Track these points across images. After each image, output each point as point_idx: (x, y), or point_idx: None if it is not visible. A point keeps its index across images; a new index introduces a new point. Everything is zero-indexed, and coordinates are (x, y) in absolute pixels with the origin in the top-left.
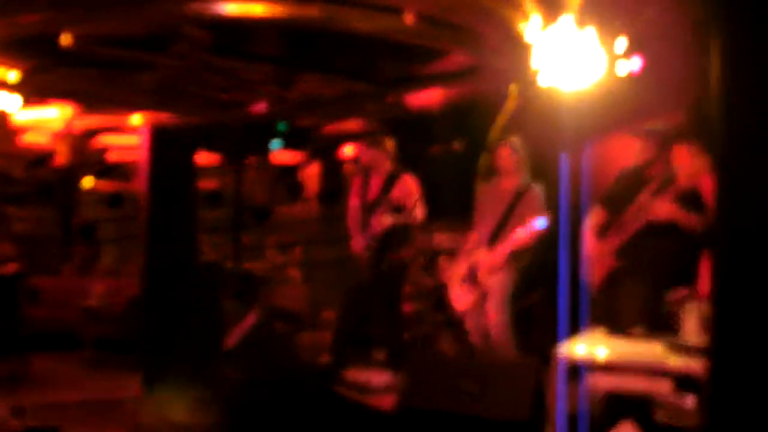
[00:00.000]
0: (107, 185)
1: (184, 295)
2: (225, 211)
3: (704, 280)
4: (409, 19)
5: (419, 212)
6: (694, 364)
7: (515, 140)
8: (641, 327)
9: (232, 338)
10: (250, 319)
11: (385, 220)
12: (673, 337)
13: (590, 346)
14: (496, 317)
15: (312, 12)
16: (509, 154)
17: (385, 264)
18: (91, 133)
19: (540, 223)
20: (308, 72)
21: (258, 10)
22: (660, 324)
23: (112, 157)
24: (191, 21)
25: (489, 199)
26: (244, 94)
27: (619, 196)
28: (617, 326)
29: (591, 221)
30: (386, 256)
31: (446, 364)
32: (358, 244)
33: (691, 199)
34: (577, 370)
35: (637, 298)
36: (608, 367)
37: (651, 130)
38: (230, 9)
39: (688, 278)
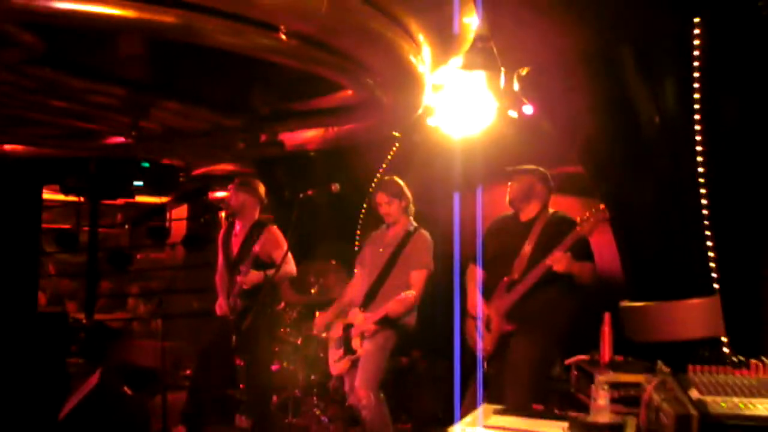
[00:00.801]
0: None
1: (21, 349)
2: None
3: (606, 347)
4: (283, 36)
5: (290, 266)
6: None
7: (395, 183)
8: (541, 403)
9: (68, 404)
10: (91, 382)
11: (252, 278)
12: (578, 416)
13: (487, 429)
14: (365, 395)
15: (167, 18)
16: (388, 201)
17: (252, 320)
18: None
19: (410, 293)
20: (167, 99)
21: (99, 10)
22: (562, 398)
23: None
24: (18, 18)
25: (371, 248)
26: (96, 123)
27: (497, 250)
28: (512, 399)
29: (470, 281)
30: (251, 313)
31: None
32: (222, 305)
33: (582, 250)
34: None
35: (533, 367)
36: None
37: (526, 172)
38: (63, 5)
39: (587, 341)
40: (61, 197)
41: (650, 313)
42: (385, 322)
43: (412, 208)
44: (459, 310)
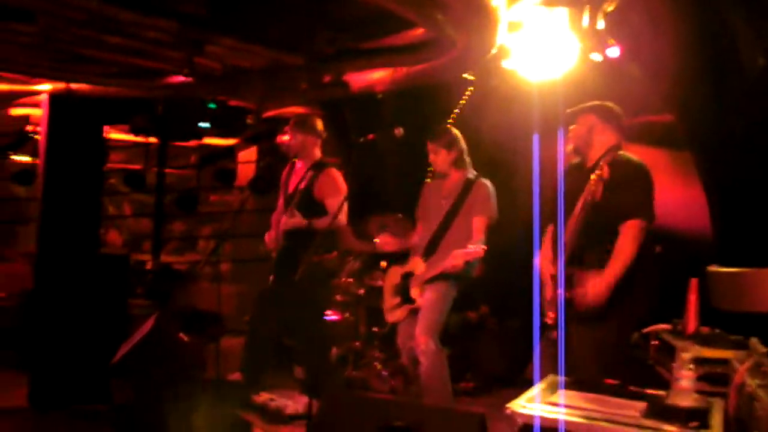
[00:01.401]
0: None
1: (81, 291)
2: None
3: (691, 317)
4: None
5: (341, 217)
6: None
7: (444, 133)
8: (614, 378)
9: (122, 349)
10: (146, 326)
11: (292, 220)
12: (656, 395)
13: (551, 406)
14: (425, 341)
15: None
16: (434, 150)
17: (299, 267)
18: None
19: (478, 247)
20: (223, 35)
21: None
22: (638, 369)
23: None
24: None
25: (432, 198)
26: (152, 60)
27: (566, 205)
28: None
29: (546, 238)
30: (299, 258)
31: (368, 404)
32: (270, 239)
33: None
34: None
35: (604, 337)
36: None
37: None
38: None
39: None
40: (131, 137)
41: (742, 281)
42: (446, 275)
43: (466, 159)
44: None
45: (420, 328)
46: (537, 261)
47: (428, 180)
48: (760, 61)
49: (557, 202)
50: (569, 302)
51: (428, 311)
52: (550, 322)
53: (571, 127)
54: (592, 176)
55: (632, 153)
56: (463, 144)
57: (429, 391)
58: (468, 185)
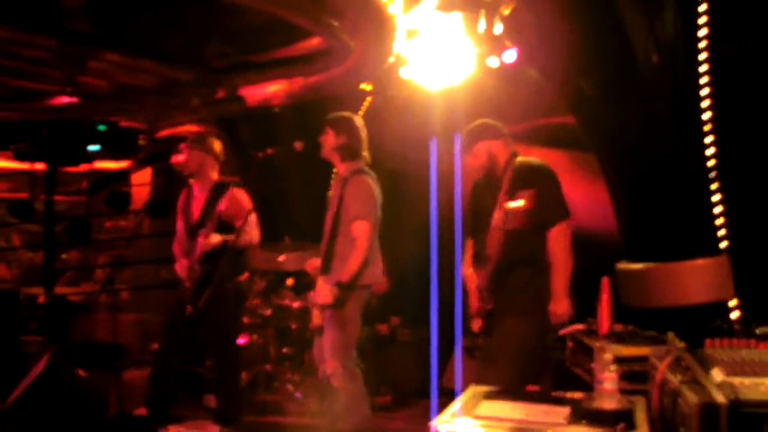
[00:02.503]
0: None
1: None
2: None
3: (604, 316)
4: None
5: (254, 231)
6: None
7: (345, 117)
8: (533, 378)
9: (17, 390)
10: (40, 365)
11: (211, 240)
12: (580, 399)
13: (477, 420)
14: (332, 365)
15: None
16: (330, 135)
17: (211, 291)
18: None
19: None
20: (108, 50)
21: None
22: (555, 371)
23: None
24: None
25: (330, 201)
26: (34, 80)
27: (475, 218)
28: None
29: (467, 250)
30: (213, 281)
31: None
32: (182, 265)
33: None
34: None
35: (507, 342)
36: None
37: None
38: None
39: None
40: (16, 164)
41: (651, 276)
42: (345, 288)
43: (357, 151)
44: (436, 272)
45: (327, 351)
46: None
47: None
48: (654, 58)
49: (473, 213)
50: (490, 314)
51: (331, 333)
52: (476, 330)
53: (468, 160)
54: (511, 205)
55: (536, 156)
56: (358, 134)
57: (345, 413)
58: (344, 184)
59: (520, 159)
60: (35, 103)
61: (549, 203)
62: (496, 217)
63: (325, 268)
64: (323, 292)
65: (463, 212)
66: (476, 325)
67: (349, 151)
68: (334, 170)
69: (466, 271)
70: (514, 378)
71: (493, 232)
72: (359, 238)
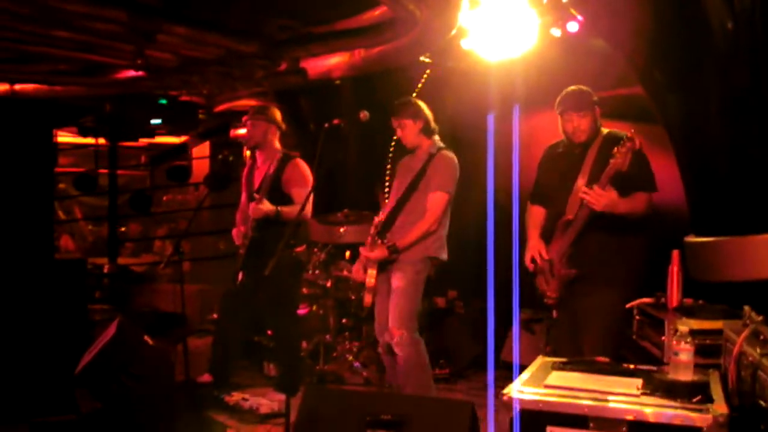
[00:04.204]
0: None
1: (37, 299)
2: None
3: (674, 289)
4: None
5: (307, 207)
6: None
7: (405, 104)
8: (608, 356)
9: (86, 357)
10: (109, 332)
11: (261, 206)
12: (654, 371)
13: (549, 389)
14: (398, 333)
15: None
16: (398, 123)
17: (268, 260)
18: None
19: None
20: (174, 24)
21: None
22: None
23: None
24: None
25: (399, 176)
26: (102, 54)
27: (550, 186)
28: (577, 354)
29: (531, 221)
30: (271, 250)
31: (351, 398)
32: (237, 234)
33: (631, 181)
34: (531, 417)
35: (600, 315)
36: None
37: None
38: None
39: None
40: (80, 139)
41: (721, 249)
42: (394, 252)
43: (433, 127)
44: (493, 245)
45: (392, 320)
46: (491, 237)
47: (389, 160)
48: (729, 25)
49: (548, 178)
50: (572, 282)
51: (398, 301)
52: (550, 302)
53: (573, 120)
54: (617, 149)
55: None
56: (428, 112)
57: (408, 383)
58: (429, 158)
59: (607, 130)
60: (102, 77)
61: (641, 172)
62: (581, 182)
63: (383, 232)
64: (375, 251)
65: (536, 177)
66: (550, 296)
67: (431, 129)
68: (393, 144)
69: (534, 240)
70: (605, 350)
71: (576, 196)
72: (432, 210)
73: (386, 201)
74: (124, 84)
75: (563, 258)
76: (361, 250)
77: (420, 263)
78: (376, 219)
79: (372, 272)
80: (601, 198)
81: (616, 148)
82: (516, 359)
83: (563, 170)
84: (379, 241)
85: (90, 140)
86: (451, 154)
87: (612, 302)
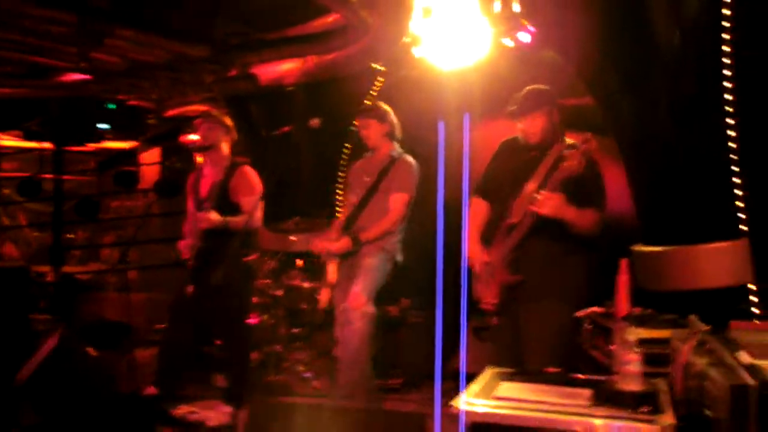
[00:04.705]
0: None
1: None
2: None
3: (623, 298)
4: None
5: (257, 215)
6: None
7: (374, 107)
8: (556, 366)
9: (26, 368)
10: (50, 343)
11: (209, 216)
12: (603, 381)
13: (498, 401)
14: (363, 303)
15: None
16: (365, 124)
17: (217, 270)
18: None
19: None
20: (123, 27)
21: None
22: (571, 355)
23: None
24: None
25: (357, 176)
26: (48, 56)
27: (499, 182)
28: (519, 362)
29: (471, 220)
30: (221, 260)
31: (299, 410)
32: (184, 247)
33: (583, 194)
34: (479, 429)
35: (544, 324)
36: (526, 430)
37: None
38: None
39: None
40: (24, 143)
41: (668, 259)
42: (356, 243)
43: (397, 133)
44: (443, 254)
45: (359, 286)
46: (441, 241)
47: (343, 163)
48: (676, 36)
49: (497, 176)
50: (513, 288)
51: (367, 273)
52: (488, 308)
53: (524, 123)
54: (567, 153)
55: None
56: (394, 118)
57: (347, 352)
58: (391, 162)
59: (571, 141)
60: (47, 79)
61: (594, 186)
62: (531, 187)
63: (347, 228)
64: (338, 242)
65: (485, 170)
66: (488, 302)
67: (394, 135)
68: (346, 150)
69: (474, 245)
70: (549, 361)
71: (523, 199)
72: (394, 210)
73: (342, 206)
74: (70, 87)
75: (505, 263)
76: (320, 243)
77: (386, 252)
78: (339, 218)
79: (333, 268)
80: (548, 201)
81: (569, 152)
82: (463, 368)
83: (515, 170)
84: (344, 235)
85: (35, 144)
86: (412, 160)
87: (555, 312)
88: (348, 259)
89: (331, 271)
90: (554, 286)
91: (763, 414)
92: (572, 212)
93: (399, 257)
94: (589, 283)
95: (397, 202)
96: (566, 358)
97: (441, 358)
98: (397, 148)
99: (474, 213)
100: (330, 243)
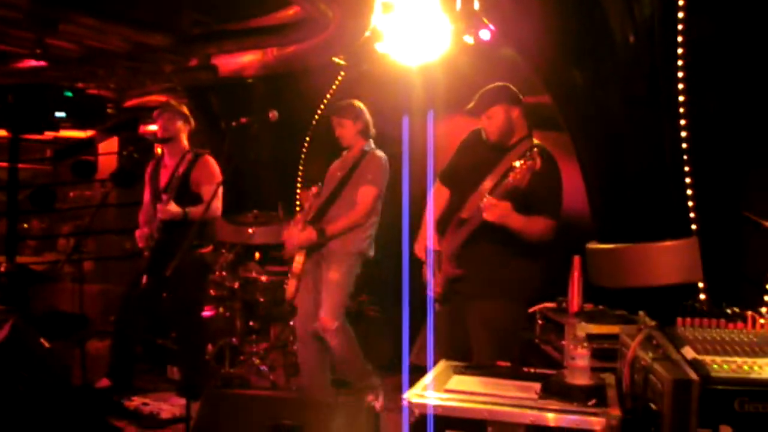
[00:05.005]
0: None
1: None
2: None
3: (575, 294)
4: None
5: (217, 204)
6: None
7: (348, 105)
8: (505, 358)
9: None
10: (2, 332)
11: (169, 208)
12: (552, 375)
13: (448, 393)
14: (331, 325)
15: None
16: (339, 122)
17: (176, 262)
18: None
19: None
20: (79, 13)
21: None
22: (524, 348)
23: None
24: None
25: (331, 173)
26: (3, 42)
27: (461, 173)
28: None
29: (430, 205)
30: (175, 251)
31: (252, 402)
32: (141, 237)
33: (534, 203)
34: (433, 422)
35: (487, 322)
36: (477, 422)
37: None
38: None
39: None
40: None
41: (620, 256)
42: (322, 236)
43: (371, 130)
44: (408, 249)
45: (325, 310)
46: (406, 238)
47: (301, 161)
48: (631, 38)
49: (456, 169)
50: (457, 280)
51: (332, 292)
52: (434, 295)
53: (483, 121)
54: (518, 163)
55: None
56: (368, 116)
57: (345, 368)
58: (362, 156)
59: (539, 144)
60: (2, 66)
61: (546, 196)
62: (486, 185)
63: (316, 220)
64: (303, 233)
65: (452, 157)
66: (434, 289)
67: (368, 133)
68: (305, 143)
69: (427, 231)
70: (492, 356)
71: (478, 196)
72: (362, 203)
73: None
74: (25, 74)
75: (452, 256)
76: (286, 233)
77: (353, 257)
78: (306, 205)
79: (299, 258)
80: (494, 208)
81: (517, 163)
82: (430, 363)
83: (476, 164)
84: (309, 226)
85: None
86: (382, 154)
87: (497, 311)
88: (312, 255)
89: (298, 261)
90: (497, 286)
91: (704, 407)
92: (519, 221)
93: (371, 252)
94: (538, 281)
95: (365, 195)
96: (512, 352)
97: (407, 352)
98: (369, 144)
99: (434, 199)
100: (296, 234)
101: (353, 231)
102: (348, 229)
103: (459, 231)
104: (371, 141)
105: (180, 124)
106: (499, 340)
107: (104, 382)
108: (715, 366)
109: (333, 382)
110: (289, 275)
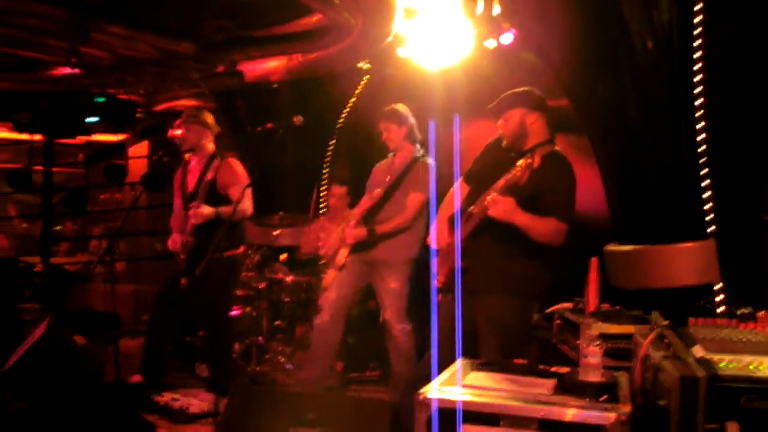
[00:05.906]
0: None
1: None
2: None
3: (592, 295)
4: None
5: (247, 204)
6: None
7: (394, 110)
8: (519, 353)
9: (14, 355)
10: (38, 331)
11: (201, 211)
12: (566, 372)
13: (464, 389)
14: (401, 328)
15: None
16: (386, 127)
17: (206, 263)
18: None
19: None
20: (111, 23)
21: None
22: (542, 348)
23: None
24: None
25: (378, 175)
26: (36, 51)
27: (482, 172)
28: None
29: (449, 200)
30: (207, 253)
31: (277, 399)
32: (174, 241)
33: (542, 202)
34: (449, 417)
35: (491, 316)
36: (494, 416)
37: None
38: None
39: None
40: (14, 135)
41: (638, 258)
42: (372, 236)
43: (417, 134)
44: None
45: (390, 314)
46: (434, 241)
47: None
48: (650, 44)
49: (478, 167)
50: (463, 271)
51: (395, 300)
52: (439, 285)
53: (499, 123)
54: (520, 162)
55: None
56: (412, 119)
57: (408, 365)
58: (413, 161)
59: (556, 150)
60: (36, 73)
61: (558, 199)
62: (500, 184)
63: (365, 222)
64: (355, 230)
65: (476, 157)
66: (440, 280)
67: (414, 137)
68: (330, 147)
69: (441, 221)
70: (499, 351)
71: (489, 193)
72: (411, 208)
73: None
74: (59, 81)
75: (456, 248)
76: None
77: (408, 265)
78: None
79: (344, 252)
80: (497, 203)
81: (520, 162)
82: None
83: (496, 164)
84: (360, 225)
85: (25, 136)
86: (432, 161)
87: (499, 307)
88: (359, 253)
89: (342, 254)
90: (499, 281)
91: (711, 404)
92: (524, 218)
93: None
94: (543, 281)
95: (414, 201)
96: (517, 349)
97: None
98: (418, 149)
99: (454, 194)
100: (348, 230)
101: (403, 238)
102: (395, 231)
103: (466, 225)
104: (418, 146)
105: (201, 132)
106: (502, 336)
107: (136, 378)
108: (723, 364)
109: (348, 379)
110: (329, 266)
